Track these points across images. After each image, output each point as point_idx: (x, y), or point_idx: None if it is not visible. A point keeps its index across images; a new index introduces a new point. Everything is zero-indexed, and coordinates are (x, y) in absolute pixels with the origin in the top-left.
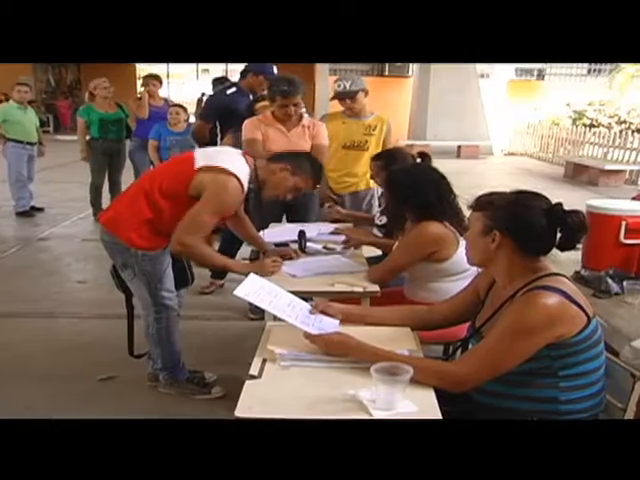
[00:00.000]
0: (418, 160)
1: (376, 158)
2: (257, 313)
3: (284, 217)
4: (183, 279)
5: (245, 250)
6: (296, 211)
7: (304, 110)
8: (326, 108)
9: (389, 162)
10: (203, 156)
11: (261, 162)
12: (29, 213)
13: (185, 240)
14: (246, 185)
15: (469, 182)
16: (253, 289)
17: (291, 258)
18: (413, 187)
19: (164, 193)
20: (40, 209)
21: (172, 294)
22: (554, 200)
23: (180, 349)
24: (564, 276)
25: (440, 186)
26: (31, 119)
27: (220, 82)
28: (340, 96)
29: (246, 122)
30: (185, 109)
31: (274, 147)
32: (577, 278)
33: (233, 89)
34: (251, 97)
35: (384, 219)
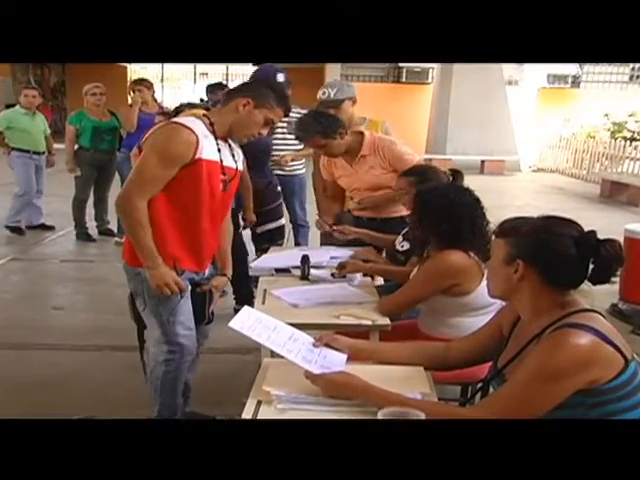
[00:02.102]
0: (450, 178)
1: (406, 173)
2: (242, 303)
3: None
4: (201, 314)
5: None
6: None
7: (364, 132)
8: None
9: (420, 179)
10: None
11: (215, 110)
12: (20, 230)
13: (133, 198)
14: (197, 130)
15: (492, 201)
16: (249, 322)
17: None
18: (447, 210)
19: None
20: (50, 227)
21: (189, 332)
22: (587, 225)
23: (181, 401)
24: (598, 312)
25: (475, 211)
26: (39, 126)
27: (219, 88)
28: (324, 105)
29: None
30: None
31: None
32: (614, 312)
33: None
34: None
35: (406, 245)
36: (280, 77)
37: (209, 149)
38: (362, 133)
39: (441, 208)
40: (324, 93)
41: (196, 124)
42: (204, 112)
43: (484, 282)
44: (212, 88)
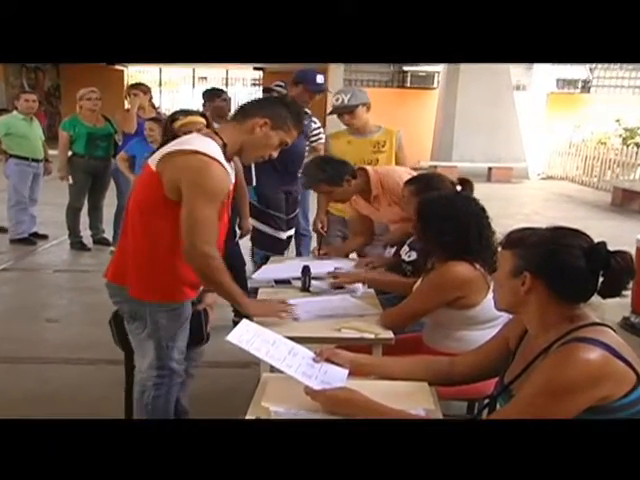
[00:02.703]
0: (458, 188)
1: (409, 182)
2: (241, 315)
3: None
4: (198, 336)
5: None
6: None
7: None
8: (339, 122)
9: (424, 188)
10: (157, 154)
11: (227, 126)
12: (29, 240)
13: (204, 248)
14: (220, 158)
15: (499, 210)
16: (247, 335)
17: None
18: (451, 220)
19: (146, 217)
20: (44, 236)
21: (182, 355)
22: (598, 235)
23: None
24: (608, 326)
25: (480, 221)
26: (37, 132)
27: (216, 94)
28: (338, 111)
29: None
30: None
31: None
32: (625, 325)
33: None
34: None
35: (413, 254)
36: (320, 78)
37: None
38: (365, 171)
39: (445, 218)
40: (337, 99)
41: (216, 151)
42: (214, 129)
43: (490, 295)
44: (210, 94)
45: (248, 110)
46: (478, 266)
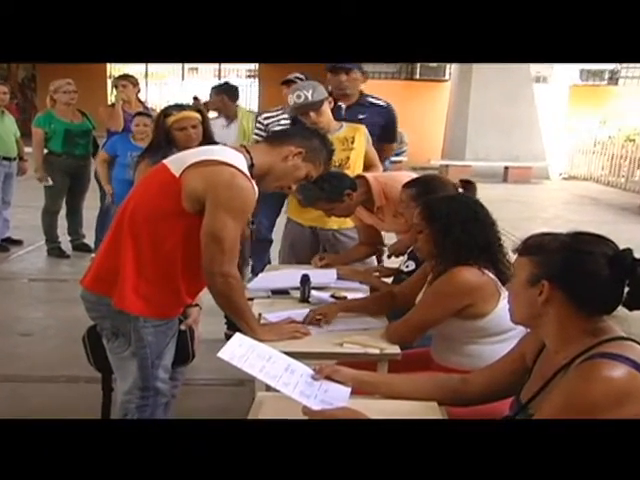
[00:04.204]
0: (460, 190)
1: (408, 185)
2: (234, 328)
3: None
4: (184, 354)
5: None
6: None
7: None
8: None
9: (423, 191)
10: (179, 159)
11: (260, 147)
12: (1, 246)
13: (225, 269)
14: (248, 173)
15: (517, 213)
16: (241, 351)
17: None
18: (457, 221)
19: (153, 225)
20: (18, 242)
21: (167, 375)
22: (626, 240)
23: None
24: (634, 341)
25: (485, 223)
26: (9, 128)
27: (224, 91)
28: (303, 109)
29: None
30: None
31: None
32: None
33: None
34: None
35: (412, 265)
36: None
37: None
38: (365, 179)
39: (450, 219)
40: (299, 96)
41: (245, 167)
42: (246, 146)
43: (501, 304)
44: (218, 90)
45: (285, 136)
46: (486, 271)
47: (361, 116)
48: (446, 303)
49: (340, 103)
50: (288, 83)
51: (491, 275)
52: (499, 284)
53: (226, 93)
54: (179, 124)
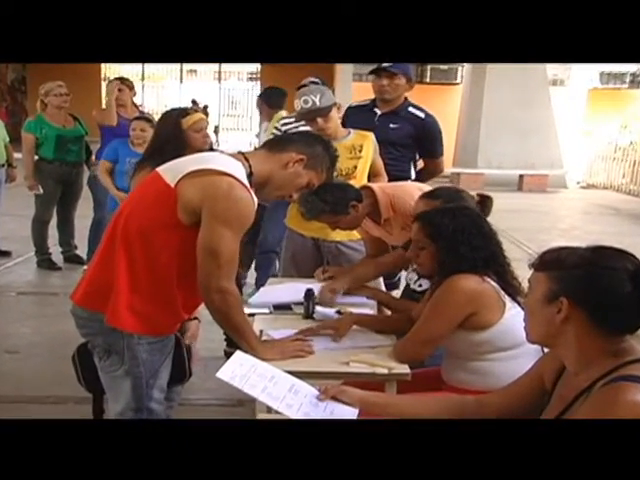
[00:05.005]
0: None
1: (426, 196)
2: (234, 345)
3: None
4: (180, 373)
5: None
6: None
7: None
8: None
9: (450, 202)
10: (173, 168)
11: (259, 154)
12: None
13: (223, 284)
14: (247, 183)
15: (532, 224)
16: (241, 371)
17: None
18: (462, 238)
19: (147, 237)
20: (6, 253)
21: (162, 395)
22: None
23: None
24: None
25: (491, 240)
26: None
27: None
28: (312, 115)
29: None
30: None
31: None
32: None
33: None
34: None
35: (425, 283)
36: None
37: None
38: (371, 190)
39: (455, 238)
40: (306, 102)
41: (244, 177)
42: (244, 154)
43: (507, 314)
44: (259, 96)
45: (285, 142)
46: (488, 279)
47: (392, 125)
48: (448, 312)
49: (376, 109)
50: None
51: (493, 283)
52: (502, 293)
53: (263, 98)
54: (198, 125)
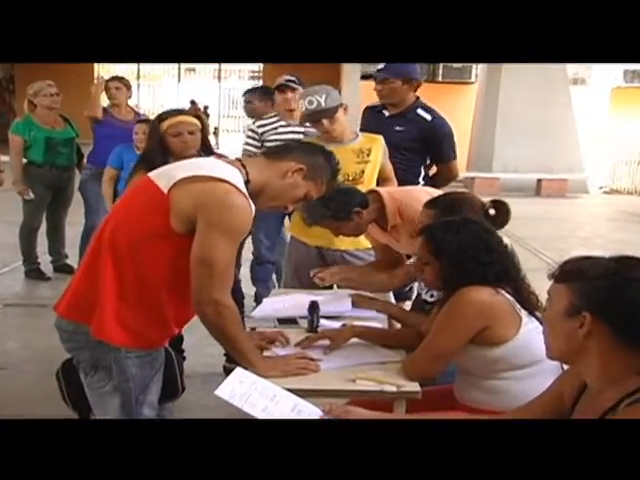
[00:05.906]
0: (491, 211)
1: (429, 205)
2: (234, 361)
3: None
4: (172, 389)
5: None
6: None
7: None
8: (355, 121)
9: (448, 213)
10: (166, 173)
11: (257, 161)
12: None
13: (216, 296)
14: (245, 190)
15: (551, 231)
16: (241, 388)
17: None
18: (467, 255)
19: (137, 246)
20: None
21: (153, 413)
22: None
23: None
24: None
25: (501, 255)
26: None
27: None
28: (317, 116)
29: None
30: None
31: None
32: None
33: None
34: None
35: (437, 293)
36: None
37: None
38: (378, 194)
39: (459, 256)
40: (311, 102)
41: (241, 183)
42: (241, 160)
43: (523, 330)
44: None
45: (285, 150)
46: (501, 291)
47: (398, 128)
48: (459, 326)
49: (385, 111)
50: (281, 88)
51: (507, 296)
52: (518, 307)
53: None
54: (175, 129)
